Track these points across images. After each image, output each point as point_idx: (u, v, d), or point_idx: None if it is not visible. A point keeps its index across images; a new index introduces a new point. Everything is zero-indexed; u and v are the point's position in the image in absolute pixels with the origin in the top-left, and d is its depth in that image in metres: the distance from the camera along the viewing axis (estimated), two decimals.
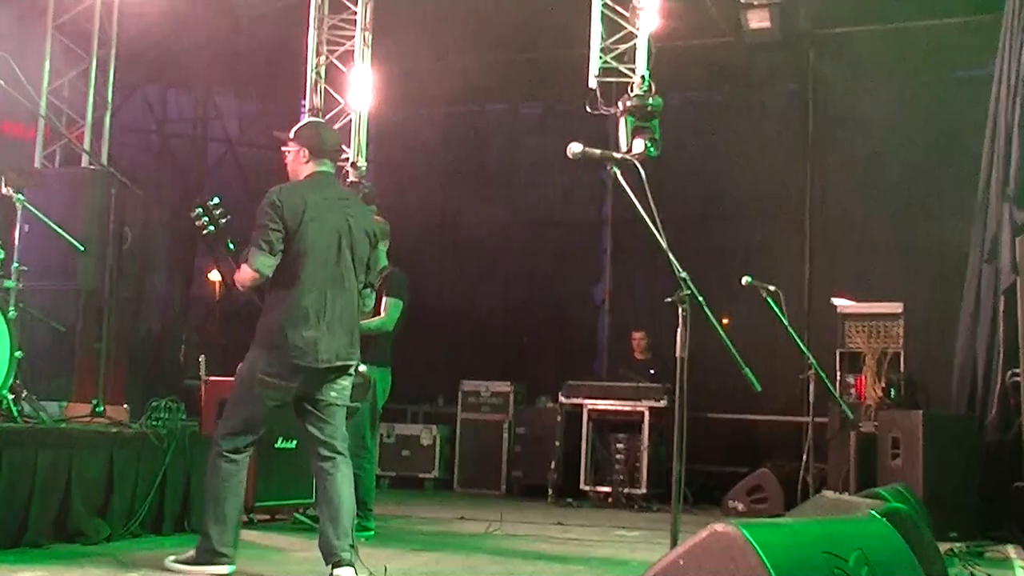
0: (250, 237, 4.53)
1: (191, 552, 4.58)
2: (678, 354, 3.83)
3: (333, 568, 4.39)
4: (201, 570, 4.50)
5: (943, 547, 4.48)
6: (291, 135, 4.83)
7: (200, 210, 4.65)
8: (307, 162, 4.75)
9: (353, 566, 4.41)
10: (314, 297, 4.48)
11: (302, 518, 6.59)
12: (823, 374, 6.58)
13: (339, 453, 4.58)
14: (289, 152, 4.82)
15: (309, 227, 4.50)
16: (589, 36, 8.33)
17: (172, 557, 4.60)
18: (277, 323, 4.48)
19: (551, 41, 10.75)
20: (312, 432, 4.60)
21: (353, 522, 4.56)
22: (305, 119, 4.87)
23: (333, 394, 4.58)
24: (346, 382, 4.64)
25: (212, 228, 4.64)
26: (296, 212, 4.51)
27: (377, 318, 6.51)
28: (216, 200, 4.69)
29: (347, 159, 9.48)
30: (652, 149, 7.62)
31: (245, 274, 4.52)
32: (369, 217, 4.89)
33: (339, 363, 4.53)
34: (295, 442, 6.87)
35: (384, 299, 6.55)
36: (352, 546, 4.46)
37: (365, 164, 9.63)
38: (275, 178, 4.87)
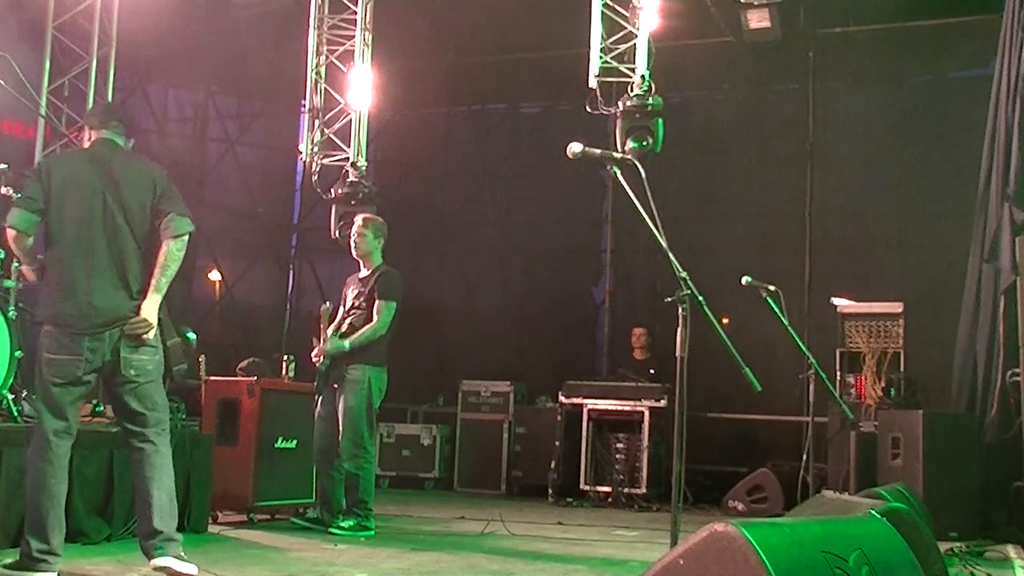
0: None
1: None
2: (678, 354, 3.83)
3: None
4: None
5: (943, 547, 4.47)
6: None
7: None
8: (89, 138, 4.69)
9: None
10: (75, 262, 4.36)
11: (299, 522, 6.57)
12: (823, 374, 6.58)
13: (149, 440, 4.41)
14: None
15: (67, 192, 4.42)
16: (589, 36, 8.35)
17: None
18: (50, 294, 4.42)
19: (551, 41, 10.75)
20: (119, 413, 4.47)
21: (172, 511, 4.41)
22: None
23: (132, 372, 4.36)
24: (145, 356, 4.39)
25: None
26: (57, 177, 4.44)
27: (368, 326, 6.47)
28: None
29: (347, 159, 9.49)
30: (641, 145, 7.63)
31: (7, 234, 4.46)
32: (142, 167, 4.62)
33: (116, 324, 4.33)
34: (295, 442, 6.88)
35: (376, 302, 6.53)
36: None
37: (365, 164, 9.64)
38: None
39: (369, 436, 6.50)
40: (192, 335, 4.74)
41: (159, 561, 4.31)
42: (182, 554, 4.37)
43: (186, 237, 4.46)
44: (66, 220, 4.40)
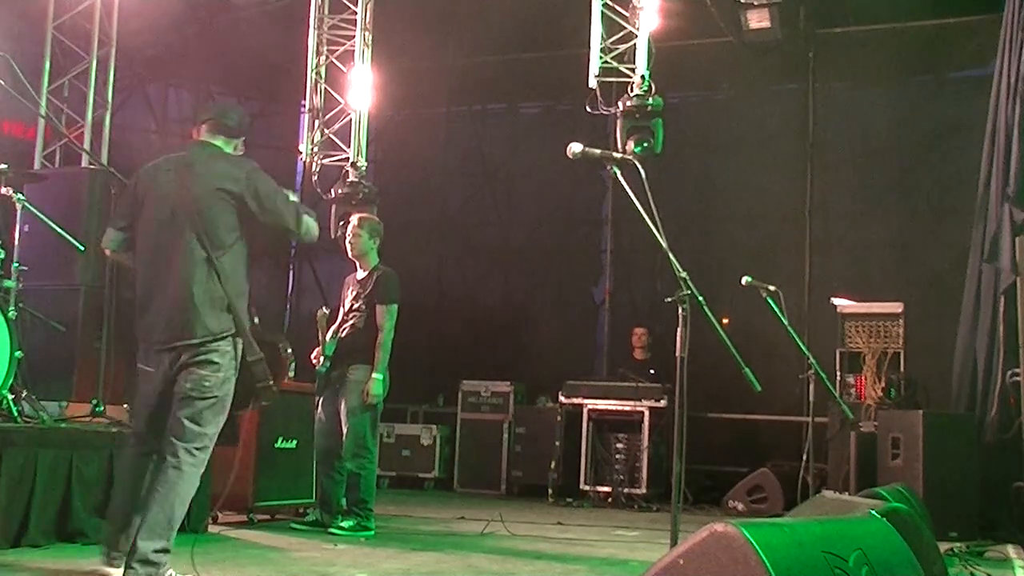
0: None
1: None
2: (678, 354, 3.83)
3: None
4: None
5: (943, 547, 4.48)
6: None
7: None
8: (194, 137, 4.55)
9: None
10: (147, 274, 4.29)
11: (298, 526, 6.56)
12: (823, 374, 6.59)
13: (176, 455, 4.16)
14: None
15: (146, 202, 4.33)
16: (589, 36, 8.35)
17: None
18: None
19: (551, 41, 10.76)
20: (169, 426, 4.23)
21: (165, 531, 4.11)
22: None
23: (188, 385, 4.18)
24: (205, 371, 4.19)
25: None
26: (142, 188, 4.38)
27: (379, 342, 6.42)
28: None
29: (347, 159, 9.49)
30: (643, 147, 7.63)
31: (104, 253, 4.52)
32: (225, 171, 4.37)
33: (176, 343, 4.18)
34: (295, 442, 6.88)
35: (378, 307, 6.50)
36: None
37: (365, 164, 9.64)
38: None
39: (371, 436, 6.49)
40: (289, 349, 4.64)
41: (111, 571, 4.18)
42: None
43: (314, 232, 4.69)
44: (140, 232, 4.36)
